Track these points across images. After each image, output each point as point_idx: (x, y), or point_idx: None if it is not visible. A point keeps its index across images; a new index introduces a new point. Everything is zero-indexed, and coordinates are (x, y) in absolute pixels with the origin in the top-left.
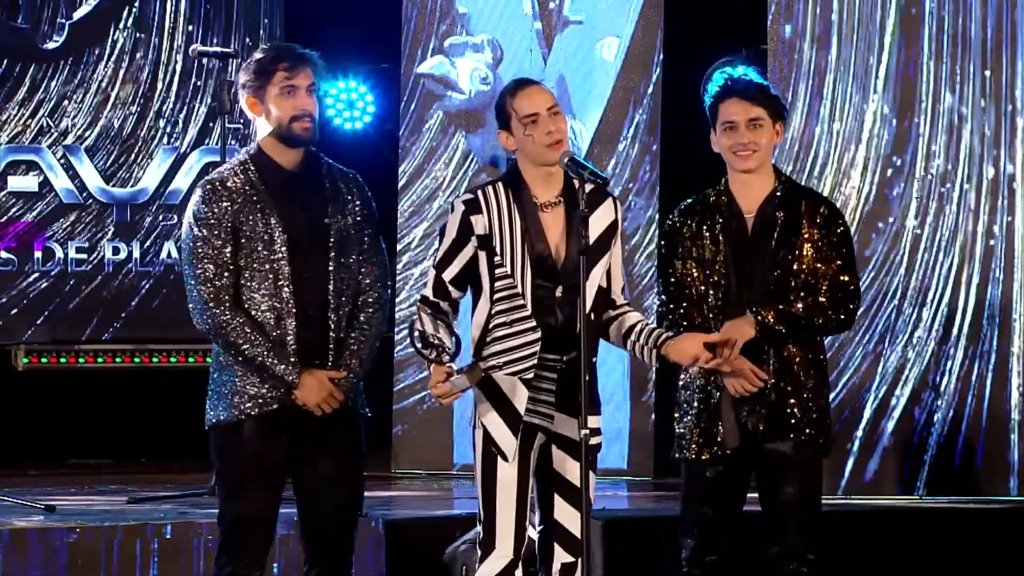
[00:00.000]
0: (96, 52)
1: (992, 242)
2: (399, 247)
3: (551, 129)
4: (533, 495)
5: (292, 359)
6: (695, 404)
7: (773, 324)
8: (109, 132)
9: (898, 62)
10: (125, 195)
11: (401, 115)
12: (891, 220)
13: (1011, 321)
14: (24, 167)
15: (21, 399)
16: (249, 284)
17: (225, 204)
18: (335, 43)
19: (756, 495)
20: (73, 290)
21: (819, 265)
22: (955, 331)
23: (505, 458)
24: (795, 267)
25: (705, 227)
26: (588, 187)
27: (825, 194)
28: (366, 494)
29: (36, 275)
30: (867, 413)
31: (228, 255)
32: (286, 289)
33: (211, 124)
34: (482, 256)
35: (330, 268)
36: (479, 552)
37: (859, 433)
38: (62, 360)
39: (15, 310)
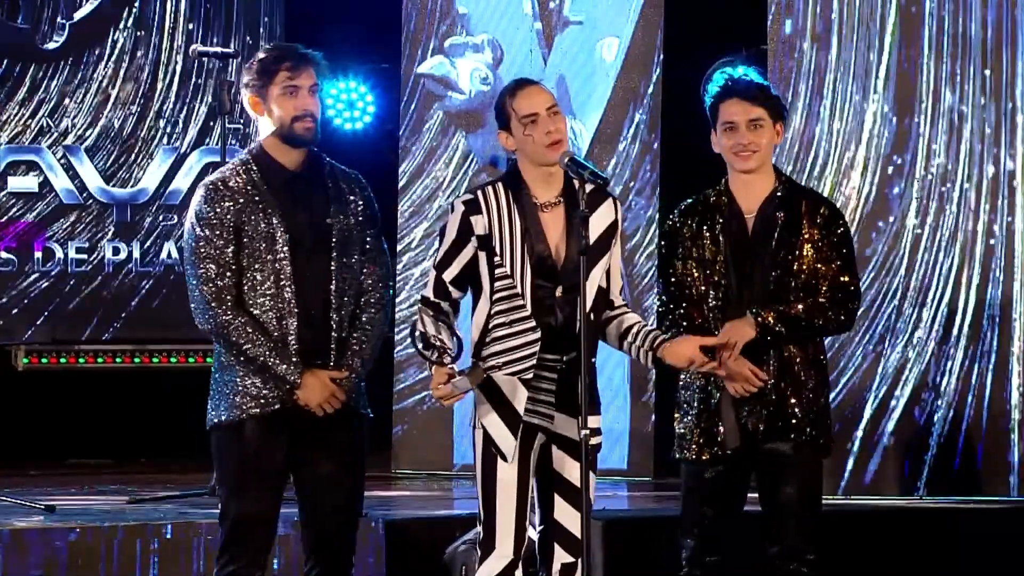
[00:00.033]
0: (96, 52)
1: (992, 242)
2: (399, 247)
3: (551, 129)
4: (533, 495)
5: (294, 359)
6: (695, 404)
7: (773, 325)
8: (109, 132)
9: (898, 61)
10: (125, 195)
11: (401, 115)
12: (891, 220)
13: (1011, 321)
14: (24, 167)
15: (21, 399)
16: (251, 284)
17: (227, 204)
18: (335, 43)
19: (756, 495)
20: (73, 290)
21: (819, 265)
22: (955, 331)
23: (505, 458)
24: (795, 267)
25: (705, 227)
26: (588, 187)
27: (825, 194)
28: (366, 494)
29: (36, 275)
30: (867, 413)
31: (230, 255)
32: (288, 289)
33: (211, 124)
34: (482, 256)
35: (332, 268)
36: (479, 552)
37: (859, 433)
38: (62, 360)
39: (15, 310)
